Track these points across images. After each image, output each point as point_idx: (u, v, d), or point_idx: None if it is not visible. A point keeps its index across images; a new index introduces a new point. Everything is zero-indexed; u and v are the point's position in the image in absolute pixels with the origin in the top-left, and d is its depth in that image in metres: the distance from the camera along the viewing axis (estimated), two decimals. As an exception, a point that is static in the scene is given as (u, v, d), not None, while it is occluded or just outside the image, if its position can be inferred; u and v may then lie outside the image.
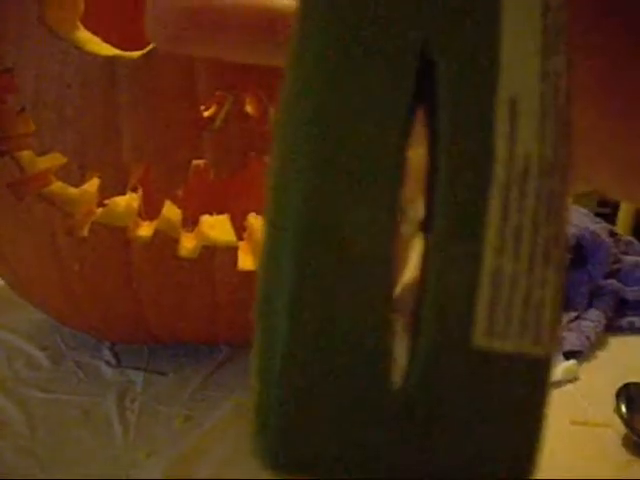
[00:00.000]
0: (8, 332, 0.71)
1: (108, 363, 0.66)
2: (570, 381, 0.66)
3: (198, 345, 0.68)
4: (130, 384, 0.63)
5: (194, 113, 0.52)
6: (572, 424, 0.59)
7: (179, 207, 0.56)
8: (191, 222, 0.56)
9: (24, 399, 0.60)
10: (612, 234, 0.84)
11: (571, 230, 0.79)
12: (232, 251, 0.55)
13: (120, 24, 0.58)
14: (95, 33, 0.54)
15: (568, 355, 0.69)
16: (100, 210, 0.55)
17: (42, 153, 0.54)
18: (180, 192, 0.53)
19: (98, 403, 0.60)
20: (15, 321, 0.72)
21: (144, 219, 0.56)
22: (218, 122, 0.52)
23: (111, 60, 0.51)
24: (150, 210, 0.56)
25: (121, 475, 0.51)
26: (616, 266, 0.82)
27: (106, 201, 0.55)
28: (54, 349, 0.68)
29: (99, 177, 0.53)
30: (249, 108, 0.52)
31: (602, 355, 0.72)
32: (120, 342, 0.67)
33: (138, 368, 0.65)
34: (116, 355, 0.67)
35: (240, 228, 0.57)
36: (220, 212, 0.57)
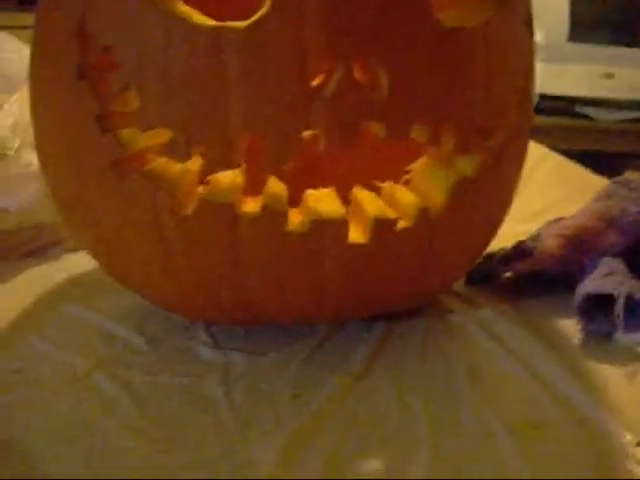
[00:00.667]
0: (101, 316, 0.70)
1: (206, 344, 0.65)
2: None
3: (294, 326, 0.67)
4: (231, 365, 0.62)
5: (303, 83, 0.51)
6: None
7: (283, 181, 0.54)
8: (294, 195, 0.55)
9: (127, 381, 0.59)
10: None
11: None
12: (342, 224, 0.54)
13: (217, 3, 0.57)
14: (196, 6, 0.53)
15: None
16: (204, 187, 0.54)
17: (147, 129, 0.53)
18: (289, 164, 0.52)
19: (202, 384, 0.59)
20: (107, 305, 0.72)
21: (247, 195, 0.55)
22: (328, 91, 0.50)
23: (217, 30, 0.50)
24: (252, 186, 0.55)
25: (235, 454, 0.51)
26: None
27: (209, 178, 0.54)
28: (150, 332, 0.67)
29: (204, 152, 0.52)
30: (358, 76, 0.51)
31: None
32: (218, 323, 0.66)
33: (236, 349, 0.64)
34: (213, 337, 0.66)
35: (344, 199, 0.56)
36: (324, 186, 0.56)
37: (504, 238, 0.77)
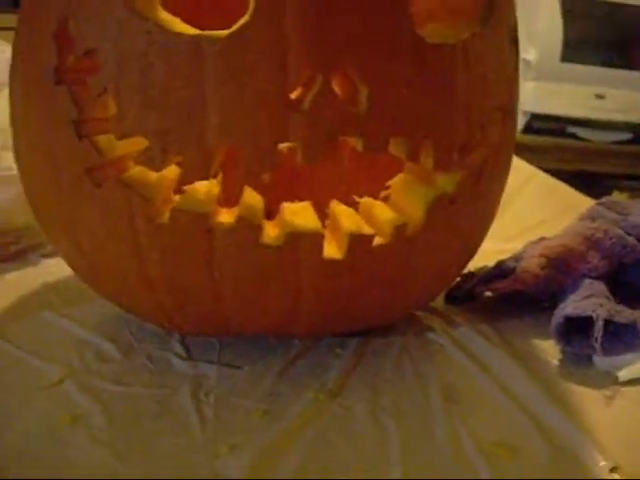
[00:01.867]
0: (76, 324, 0.70)
1: (179, 356, 0.64)
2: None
3: (269, 339, 0.67)
4: (203, 377, 0.61)
5: (282, 94, 0.50)
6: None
7: (259, 192, 0.54)
8: (270, 208, 0.54)
9: (97, 391, 0.59)
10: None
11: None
12: (317, 237, 0.54)
13: (198, 12, 0.57)
14: (176, 13, 0.52)
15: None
16: (179, 196, 0.53)
17: (123, 136, 0.52)
18: (266, 176, 0.52)
19: (172, 396, 0.58)
20: (83, 313, 0.72)
21: (222, 206, 0.54)
22: (307, 103, 0.50)
23: (197, 39, 0.50)
24: (229, 197, 0.54)
25: (204, 468, 0.50)
26: None
27: (185, 187, 0.53)
28: (123, 341, 0.67)
29: (181, 161, 0.52)
30: (337, 88, 0.51)
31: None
32: (192, 333, 0.66)
33: (210, 361, 0.64)
34: (187, 348, 0.66)
35: (321, 214, 0.55)
36: (300, 199, 0.55)
37: (487, 256, 0.77)
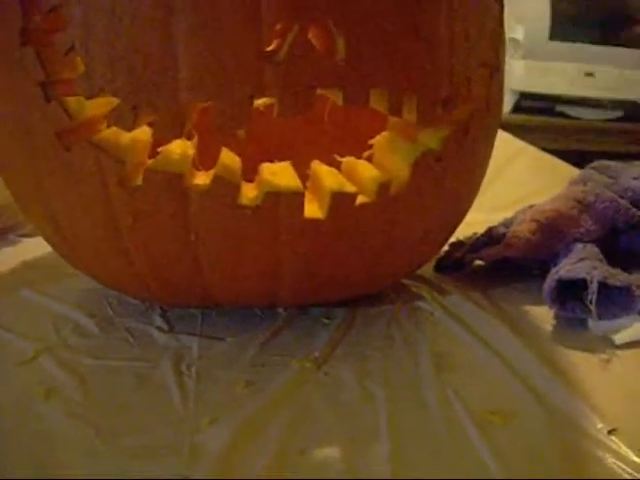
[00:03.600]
0: (54, 300, 0.68)
1: (160, 329, 0.62)
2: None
3: (254, 311, 0.65)
4: (185, 349, 0.59)
5: (256, 46, 0.48)
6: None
7: (237, 153, 0.52)
8: (250, 171, 0.52)
9: (74, 366, 0.56)
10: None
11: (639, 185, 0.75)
12: (298, 197, 0.52)
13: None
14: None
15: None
16: (153, 158, 0.51)
17: (92, 96, 0.50)
18: (241, 133, 0.50)
19: (152, 369, 0.56)
20: (61, 290, 0.70)
21: (199, 169, 0.52)
22: (282, 54, 0.48)
23: (165, -9, 0.47)
24: (205, 160, 0.52)
25: (184, 442, 0.48)
26: None
27: (159, 149, 0.51)
28: (103, 316, 0.65)
29: (153, 120, 0.50)
30: (314, 39, 0.48)
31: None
32: (173, 305, 0.64)
33: (192, 334, 0.62)
34: (168, 321, 0.64)
35: (302, 176, 0.53)
36: (280, 160, 0.53)
37: (477, 227, 0.75)
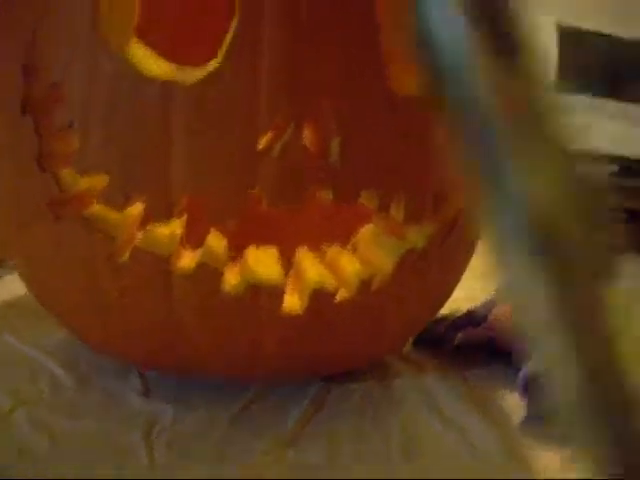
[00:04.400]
0: (33, 348, 0.68)
1: (136, 391, 0.62)
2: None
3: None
4: (159, 416, 0.59)
5: (251, 141, 0.49)
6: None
7: (225, 235, 0.52)
8: (237, 248, 0.53)
9: (48, 424, 0.57)
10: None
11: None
12: (278, 290, 0.52)
13: (177, 34, 0.55)
14: (151, 42, 0.51)
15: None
16: (142, 234, 0.52)
17: (85, 172, 0.51)
18: (231, 222, 0.50)
19: (124, 434, 0.56)
20: (41, 336, 0.69)
21: (187, 247, 0.53)
22: (276, 152, 0.49)
23: (167, 84, 0.48)
24: (194, 237, 0.53)
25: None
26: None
27: (148, 226, 0.52)
28: (80, 371, 0.65)
29: (144, 202, 0.50)
30: (309, 139, 0.49)
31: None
32: (150, 370, 0.64)
33: (167, 399, 0.62)
34: (144, 383, 0.64)
35: (288, 263, 0.54)
36: (268, 243, 0.54)
37: (460, 302, 0.75)
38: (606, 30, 2.83)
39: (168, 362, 0.58)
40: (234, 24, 0.48)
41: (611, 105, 2.86)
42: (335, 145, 0.49)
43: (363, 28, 0.50)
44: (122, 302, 0.53)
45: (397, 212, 0.53)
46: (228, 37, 0.48)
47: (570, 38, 2.86)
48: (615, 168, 2.87)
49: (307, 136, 0.49)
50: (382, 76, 0.51)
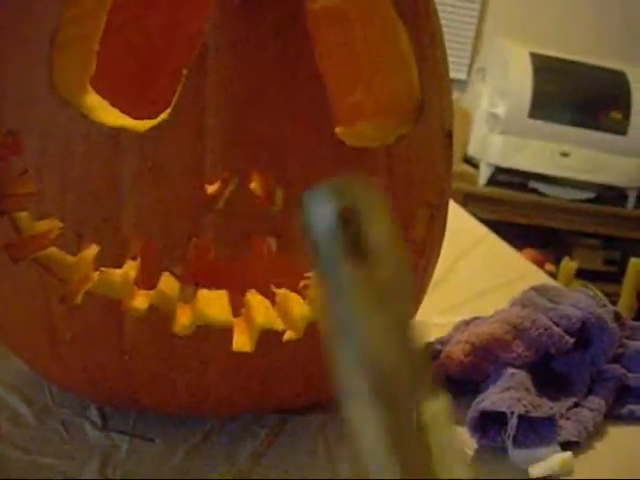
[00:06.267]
0: (-5, 382, 0.69)
1: (94, 424, 0.64)
2: (565, 475, 0.64)
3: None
4: (115, 449, 0.61)
5: (198, 190, 0.50)
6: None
7: (177, 279, 0.54)
8: (188, 293, 0.55)
9: (4, 459, 0.58)
10: (617, 318, 0.82)
11: (576, 313, 0.78)
12: (228, 331, 0.54)
13: (132, 85, 0.57)
14: (105, 93, 0.53)
15: (564, 446, 0.67)
16: (96, 276, 0.53)
17: (40, 217, 0.52)
18: (178, 269, 0.52)
19: (79, 468, 0.58)
20: (3, 368, 0.71)
21: (140, 287, 0.55)
22: (222, 202, 0.50)
23: (117, 131, 0.50)
24: (147, 279, 0.54)
25: None
26: (620, 350, 0.81)
27: (102, 269, 0.53)
28: (40, 404, 0.66)
29: (98, 245, 0.52)
30: (255, 189, 0.51)
31: (600, 447, 0.70)
32: (104, 405, 0.66)
33: (124, 432, 0.63)
34: (103, 415, 0.65)
35: (238, 304, 0.56)
36: (219, 286, 0.56)
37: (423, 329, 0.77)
38: (581, 59, 2.87)
39: (122, 399, 0.60)
40: (183, 79, 0.50)
41: (586, 133, 2.90)
42: (279, 195, 0.51)
43: (307, 80, 0.52)
44: (75, 343, 0.55)
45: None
46: (178, 91, 0.50)
47: (544, 67, 2.90)
48: (591, 195, 2.90)
49: (252, 187, 0.51)
50: (330, 127, 0.53)
